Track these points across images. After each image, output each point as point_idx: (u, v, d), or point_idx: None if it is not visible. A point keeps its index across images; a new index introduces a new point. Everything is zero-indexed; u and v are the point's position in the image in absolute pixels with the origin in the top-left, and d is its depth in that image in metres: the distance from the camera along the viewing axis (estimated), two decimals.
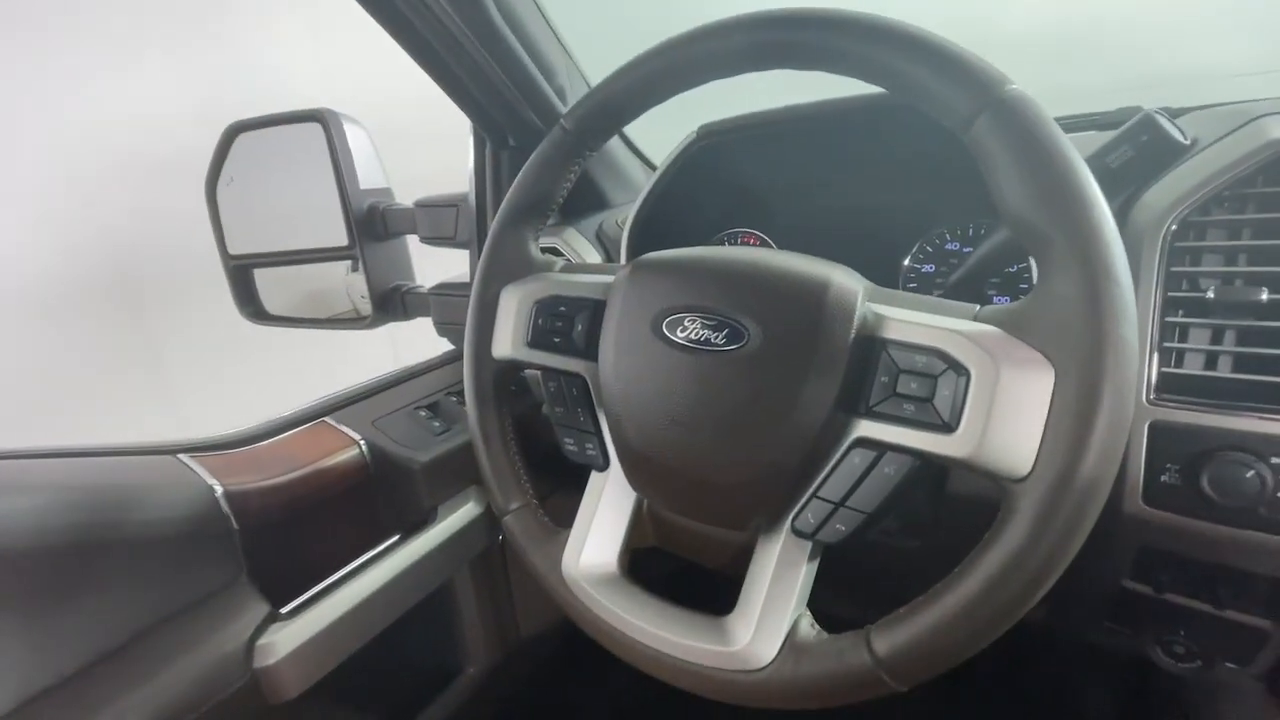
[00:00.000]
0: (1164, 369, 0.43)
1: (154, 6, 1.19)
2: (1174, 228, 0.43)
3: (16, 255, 1.11)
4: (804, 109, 0.58)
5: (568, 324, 0.44)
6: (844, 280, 0.35)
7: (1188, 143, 0.41)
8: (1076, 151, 0.30)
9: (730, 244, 0.72)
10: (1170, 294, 0.43)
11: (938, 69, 0.32)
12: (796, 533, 0.36)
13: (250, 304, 0.89)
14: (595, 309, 0.43)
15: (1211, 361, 0.42)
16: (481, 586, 0.69)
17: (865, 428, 0.34)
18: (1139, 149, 0.41)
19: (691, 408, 0.37)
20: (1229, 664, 0.47)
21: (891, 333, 0.34)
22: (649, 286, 0.40)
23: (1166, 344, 0.43)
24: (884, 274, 0.62)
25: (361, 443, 0.63)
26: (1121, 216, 0.47)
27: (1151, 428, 0.42)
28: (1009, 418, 0.29)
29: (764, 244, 0.70)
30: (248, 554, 0.53)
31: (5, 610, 0.41)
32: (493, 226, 0.47)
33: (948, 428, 0.31)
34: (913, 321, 0.33)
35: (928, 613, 0.31)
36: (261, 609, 0.52)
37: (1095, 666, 0.62)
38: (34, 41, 1.05)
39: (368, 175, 0.83)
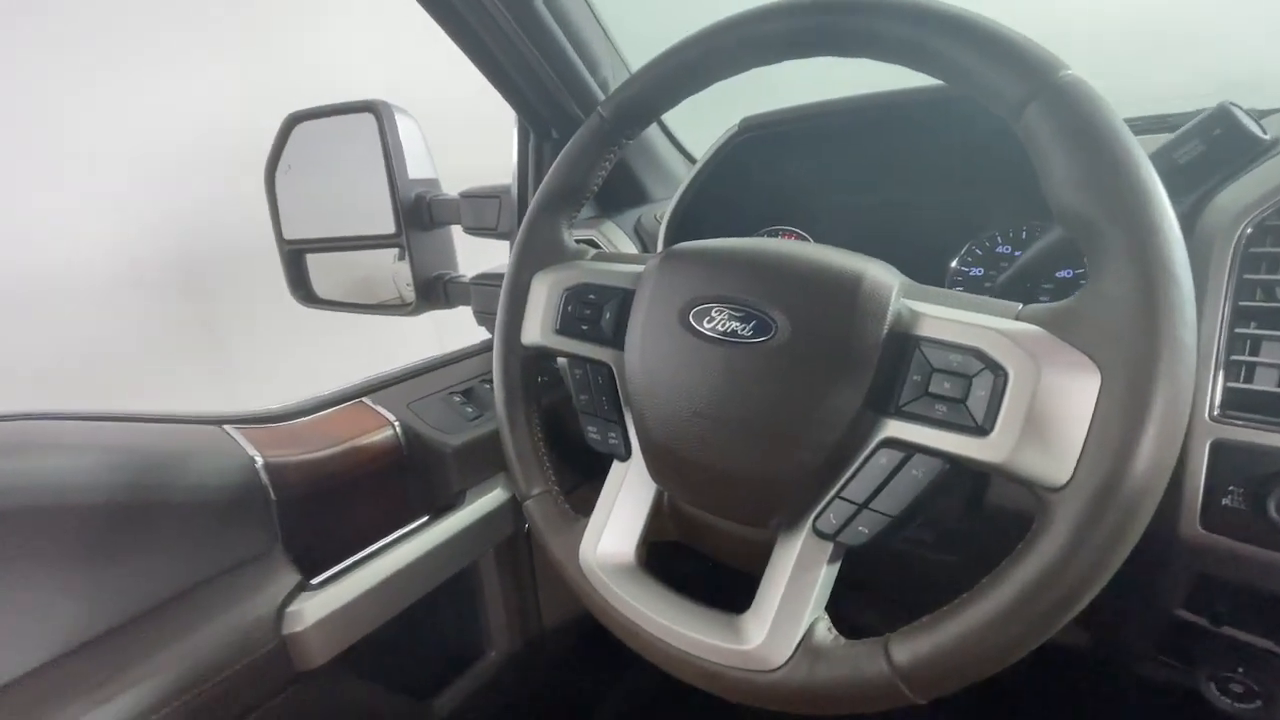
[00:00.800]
0: (1231, 384, 0.39)
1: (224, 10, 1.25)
2: (1249, 231, 0.40)
3: (98, 239, 1.18)
4: (849, 102, 0.56)
5: (596, 312, 0.44)
6: (879, 274, 0.34)
7: (1267, 139, 0.38)
8: (1136, 141, 0.28)
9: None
10: (1242, 303, 0.40)
11: (987, 53, 0.30)
12: (818, 533, 0.34)
13: (301, 287, 0.93)
14: (624, 298, 0.42)
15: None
16: (505, 572, 0.69)
17: (894, 428, 0.32)
18: (1210, 144, 0.38)
19: (716, 400, 0.36)
20: None
21: (926, 330, 0.32)
22: (678, 276, 0.39)
23: (1235, 357, 0.40)
24: (930, 276, 0.60)
25: (396, 424, 0.64)
26: (1191, 217, 0.43)
27: (1214, 447, 0.39)
28: (1048, 422, 0.28)
29: (804, 240, 0.69)
30: (283, 524, 0.55)
31: (56, 562, 0.43)
32: (527, 213, 0.48)
33: (981, 430, 0.29)
34: (949, 319, 0.32)
35: (952, 623, 0.29)
36: (293, 578, 0.54)
37: (1143, 701, 0.58)
38: (118, 43, 1.12)
39: (416, 165, 0.85)
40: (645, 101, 0.43)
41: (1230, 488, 0.39)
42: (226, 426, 0.57)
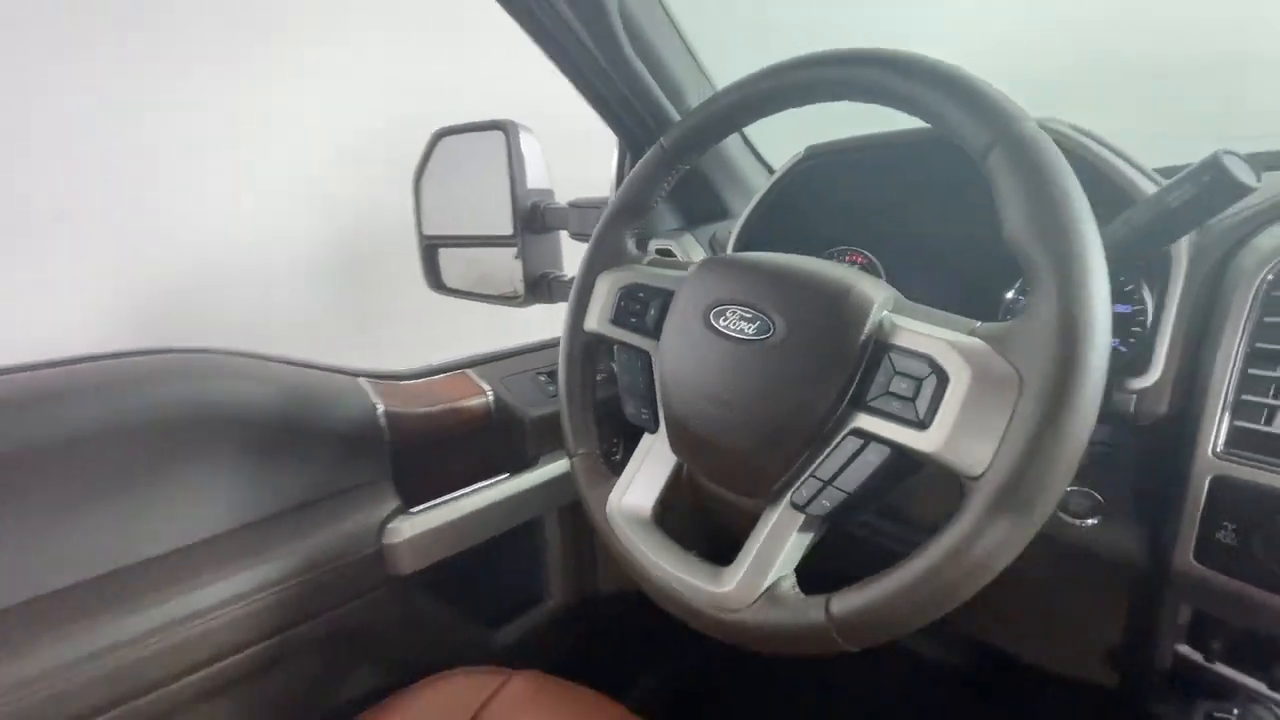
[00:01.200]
0: (1238, 422, 0.40)
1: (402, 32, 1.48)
2: (1270, 277, 0.41)
3: (280, 229, 1.45)
4: (909, 134, 0.61)
5: (643, 308, 0.52)
6: (865, 289, 0.40)
7: (1256, 185, 0.38)
8: (1079, 189, 0.32)
9: (836, 260, 0.75)
10: (1259, 344, 0.40)
11: (960, 102, 0.35)
12: (793, 505, 0.41)
13: (433, 276, 1.09)
14: (666, 298, 0.51)
15: None
16: (567, 532, 0.80)
17: (861, 419, 0.38)
18: (1200, 188, 0.39)
19: (723, 388, 0.44)
20: None
21: (898, 339, 0.37)
22: (707, 281, 0.47)
23: (1245, 397, 0.40)
24: (986, 303, 0.62)
25: (489, 393, 0.77)
26: (1226, 261, 0.44)
27: (1214, 482, 0.40)
28: (974, 422, 0.32)
29: (870, 263, 0.73)
30: (392, 461, 0.69)
31: (227, 462, 0.59)
32: (598, 225, 0.57)
33: (923, 425, 0.34)
34: (915, 331, 0.37)
35: (879, 586, 0.35)
36: (394, 503, 0.67)
37: None
38: (297, 56, 1.37)
39: (535, 177, 0.98)
40: (699, 134, 0.51)
41: (1225, 524, 0.40)
42: (360, 379, 0.72)
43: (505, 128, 0.96)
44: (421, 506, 0.69)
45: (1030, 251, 0.32)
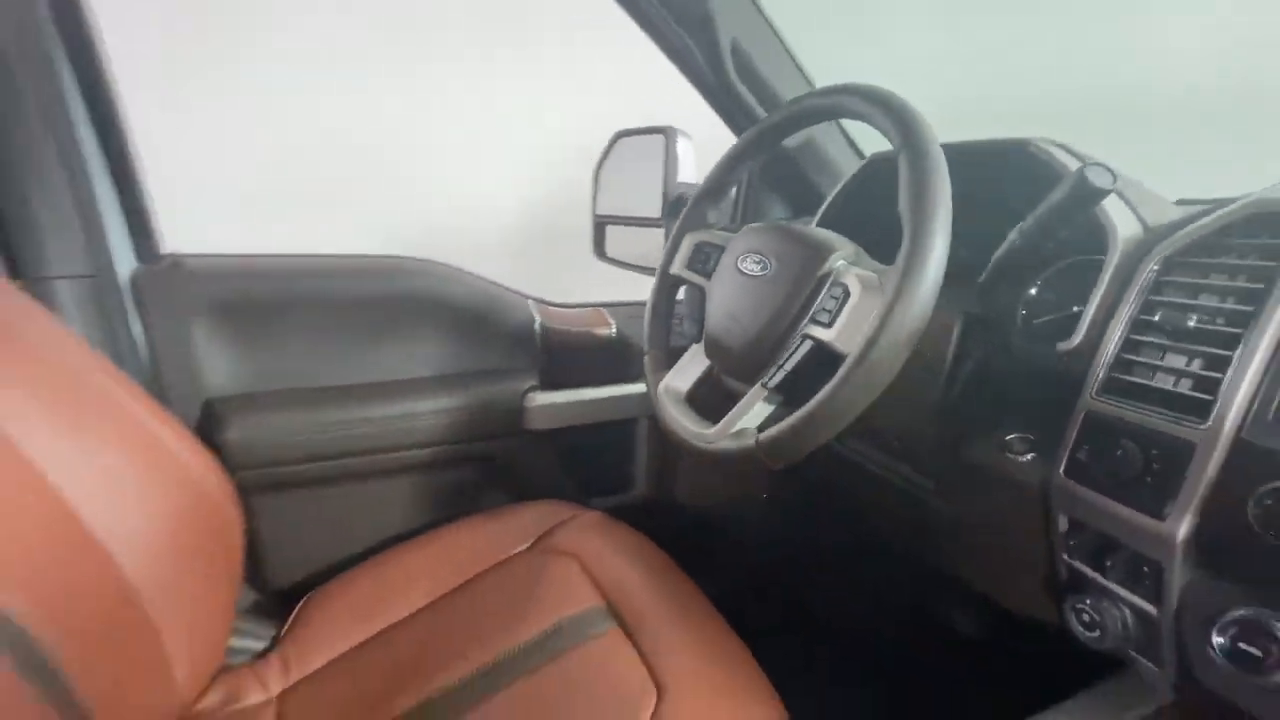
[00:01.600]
0: (1113, 374, 0.52)
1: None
2: (1155, 267, 0.52)
3: (502, 209, 1.88)
4: (955, 147, 0.75)
5: (706, 258, 0.74)
6: (833, 244, 0.58)
7: (1110, 188, 0.48)
8: (944, 187, 0.49)
9: None
10: (1141, 316, 0.52)
11: (894, 120, 0.53)
12: (763, 386, 0.61)
13: (599, 247, 1.38)
14: (722, 251, 0.73)
15: (1151, 373, 0.50)
16: (654, 436, 1.04)
17: (808, 327, 0.57)
18: (1069, 193, 0.51)
19: (737, 309, 0.64)
20: (1141, 657, 0.51)
21: (842, 277, 0.56)
22: (742, 239, 0.68)
23: (1124, 355, 0.52)
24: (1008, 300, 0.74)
25: (613, 326, 1.04)
26: (1143, 249, 0.55)
27: (1087, 416, 0.52)
28: (852, 322, 0.51)
29: None
30: (539, 357, 0.99)
31: (426, 333, 0.92)
32: (689, 202, 0.80)
33: (830, 325, 0.53)
34: (853, 271, 0.55)
35: (789, 422, 0.54)
36: (535, 383, 0.97)
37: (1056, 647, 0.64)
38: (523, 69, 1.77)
39: (685, 172, 1.23)
40: (754, 145, 0.72)
41: (1085, 445, 0.52)
42: (529, 300, 1.03)
43: (666, 132, 1.22)
44: (554, 392, 0.99)
45: (905, 220, 0.50)
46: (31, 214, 0.70)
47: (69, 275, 0.72)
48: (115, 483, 0.53)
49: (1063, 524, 0.55)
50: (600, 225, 1.40)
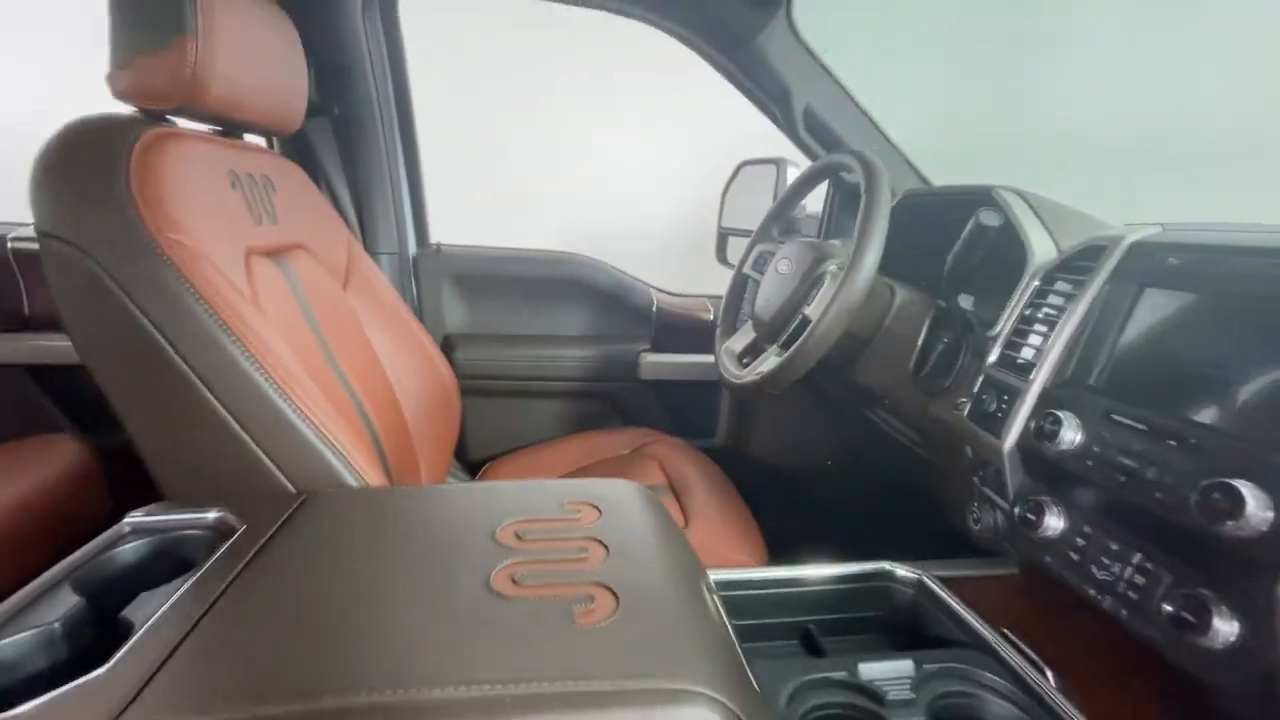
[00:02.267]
0: (1004, 351, 0.77)
1: None
2: (1037, 282, 0.76)
3: (646, 210, 2.31)
4: (943, 189, 1.01)
5: (765, 261, 1.07)
6: (833, 254, 0.89)
7: (994, 224, 0.72)
8: (882, 219, 0.78)
9: None
10: (1025, 311, 0.76)
11: (865, 171, 0.83)
12: (777, 346, 0.93)
13: (721, 253, 1.73)
14: (773, 256, 1.05)
15: (1019, 349, 0.75)
16: (734, 396, 1.38)
17: (804, 307, 0.89)
18: (970, 228, 0.76)
19: (771, 295, 0.97)
20: (1005, 543, 0.75)
21: (827, 275, 0.87)
22: (783, 250, 1.00)
23: (1013, 339, 0.77)
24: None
25: (711, 311, 1.40)
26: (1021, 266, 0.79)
27: (984, 379, 0.78)
28: (820, 301, 0.82)
29: None
30: (652, 329, 1.38)
31: (579, 308, 1.35)
32: (761, 221, 1.13)
33: (808, 301, 0.85)
34: (831, 270, 0.86)
35: (775, 366, 0.86)
36: (648, 345, 1.36)
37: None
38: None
39: None
40: (802, 186, 1.04)
41: (984, 397, 0.78)
42: (651, 289, 1.42)
43: (778, 163, 1.54)
44: (660, 353, 1.37)
45: (855, 235, 0.80)
46: (373, 210, 1.23)
47: (387, 252, 1.25)
48: (405, 367, 1.01)
49: (969, 453, 0.81)
50: (723, 236, 1.74)
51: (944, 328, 0.90)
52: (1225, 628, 0.47)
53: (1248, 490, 0.46)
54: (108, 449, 1.10)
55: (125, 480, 0.91)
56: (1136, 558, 0.56)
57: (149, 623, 0.37)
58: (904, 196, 1.10)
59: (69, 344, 0.61)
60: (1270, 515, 0.46)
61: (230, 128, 0.80)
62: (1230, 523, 0.46)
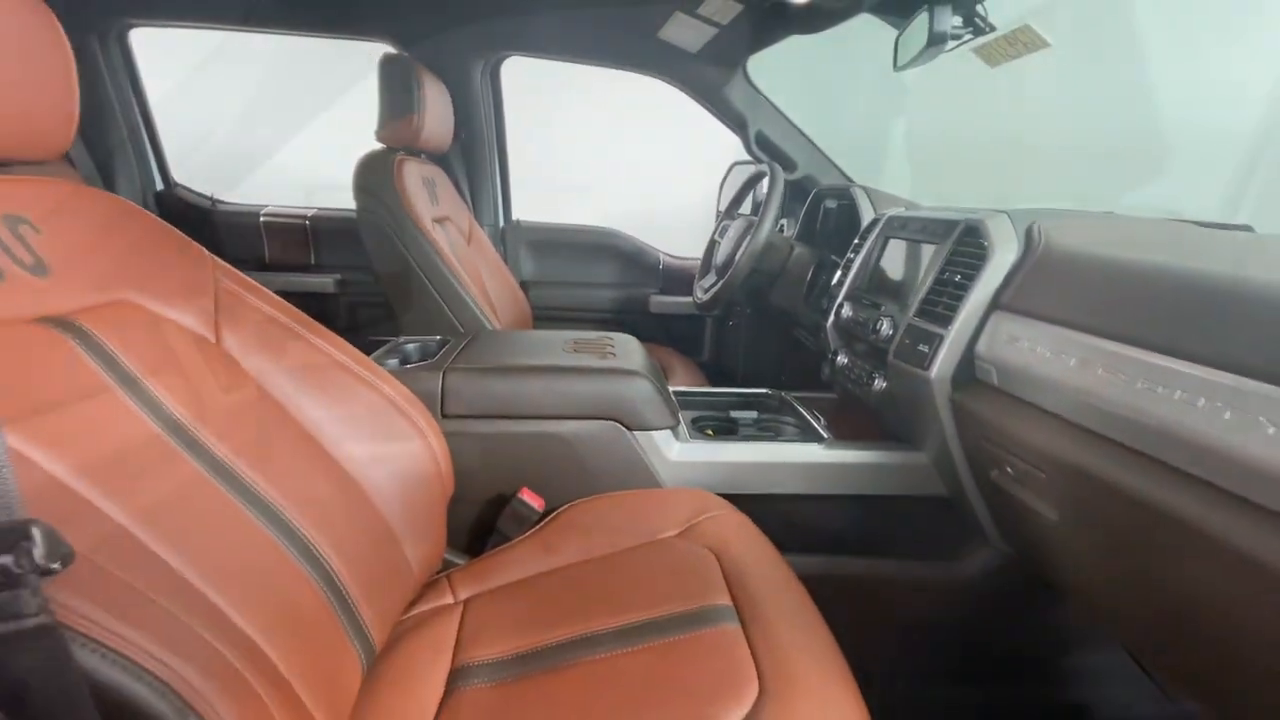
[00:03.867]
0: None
1: None
2: (856, 240, 1.37)
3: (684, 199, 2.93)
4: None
5: (725, 230, 1.70)
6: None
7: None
8: (775, 207, 1.41)
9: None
10: (849, 256, 1.37)
11: (769, 179, 1.46)
12: (722, 282, 1.56)
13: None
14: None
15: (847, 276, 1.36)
16: (721, 319, 2.02)
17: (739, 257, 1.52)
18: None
19: (726, 250, 1.61)
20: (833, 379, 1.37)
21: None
22: (735, 223, 1.63)
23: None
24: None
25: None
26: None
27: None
28: (741, 250, 1.46)
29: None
30: (660, 279, 2.03)
31: (608, 273, 2.01)
32: (726, 205, 1.76)
33: (737, 252, 1.48)
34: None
35: (711, 292, 1.50)
36: (656, 290, 2.01)
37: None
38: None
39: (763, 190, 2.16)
40: (745, 187, 1.66)
41: (824, 304, 1.39)
42: (660, 252, 2.07)
43: (773, 168, 2.17)
44: (665, 296, 2.02)
45: (760, 213, 1.42)
46: (482, 197, 1.93)
47: (487, 224, 1.94)
48: (498, 294, 1.70)
49: (823, 336, 1.43)
50: (719, 216, 2.38)
51: (824, 270, 1.52)
52: (879, 383, 1.10)
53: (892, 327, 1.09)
54: None
55: None
56: (867, 367, 1.19)
57: None
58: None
59: (292, 279, 1.32)
60: (893, 333, 1.08)
61: None
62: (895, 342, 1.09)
